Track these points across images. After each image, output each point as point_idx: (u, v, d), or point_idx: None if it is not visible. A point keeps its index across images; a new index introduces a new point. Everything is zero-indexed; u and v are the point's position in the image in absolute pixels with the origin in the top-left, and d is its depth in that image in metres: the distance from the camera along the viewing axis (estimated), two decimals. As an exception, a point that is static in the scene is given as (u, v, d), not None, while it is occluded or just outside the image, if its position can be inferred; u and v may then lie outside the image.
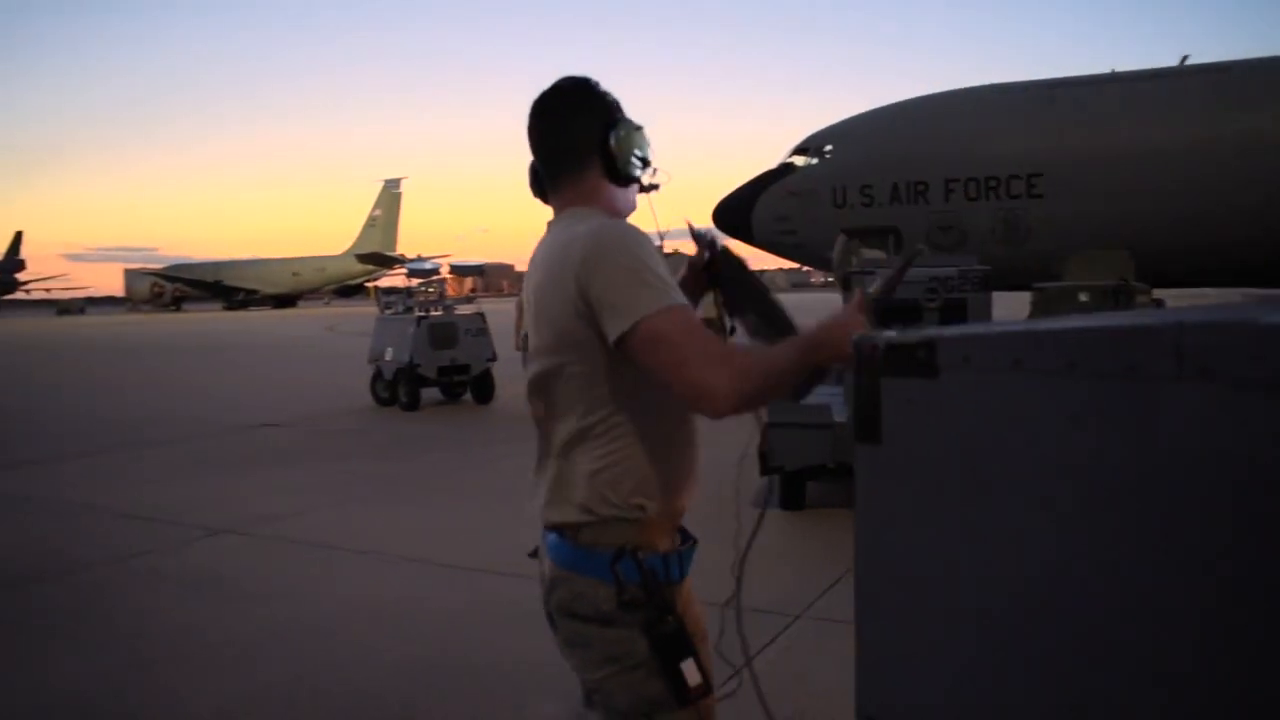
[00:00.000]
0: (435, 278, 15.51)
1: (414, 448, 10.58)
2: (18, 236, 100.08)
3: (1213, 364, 1.26)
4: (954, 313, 6.55)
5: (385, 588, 5.63)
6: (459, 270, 16.90)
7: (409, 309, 14.23)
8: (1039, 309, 11.92)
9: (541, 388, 2.07)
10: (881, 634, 1.82)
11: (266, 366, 22.52)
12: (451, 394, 14.37)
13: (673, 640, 1.94)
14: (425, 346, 13.41)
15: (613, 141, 1.99)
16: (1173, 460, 1.31)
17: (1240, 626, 1.26)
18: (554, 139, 2.05)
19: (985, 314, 6.67)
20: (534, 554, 2.27)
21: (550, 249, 2.01)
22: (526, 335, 2.17)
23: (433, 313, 14.05)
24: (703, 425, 2.12)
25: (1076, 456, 1.42)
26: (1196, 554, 1.31)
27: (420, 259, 16.72)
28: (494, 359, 14.13)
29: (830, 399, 7.23)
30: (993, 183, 20.08)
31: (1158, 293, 15.86)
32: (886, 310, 7.01)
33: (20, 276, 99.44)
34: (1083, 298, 11.85)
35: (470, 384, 14.07)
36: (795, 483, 7.13)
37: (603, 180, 2.04)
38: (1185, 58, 21.03)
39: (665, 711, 1.93)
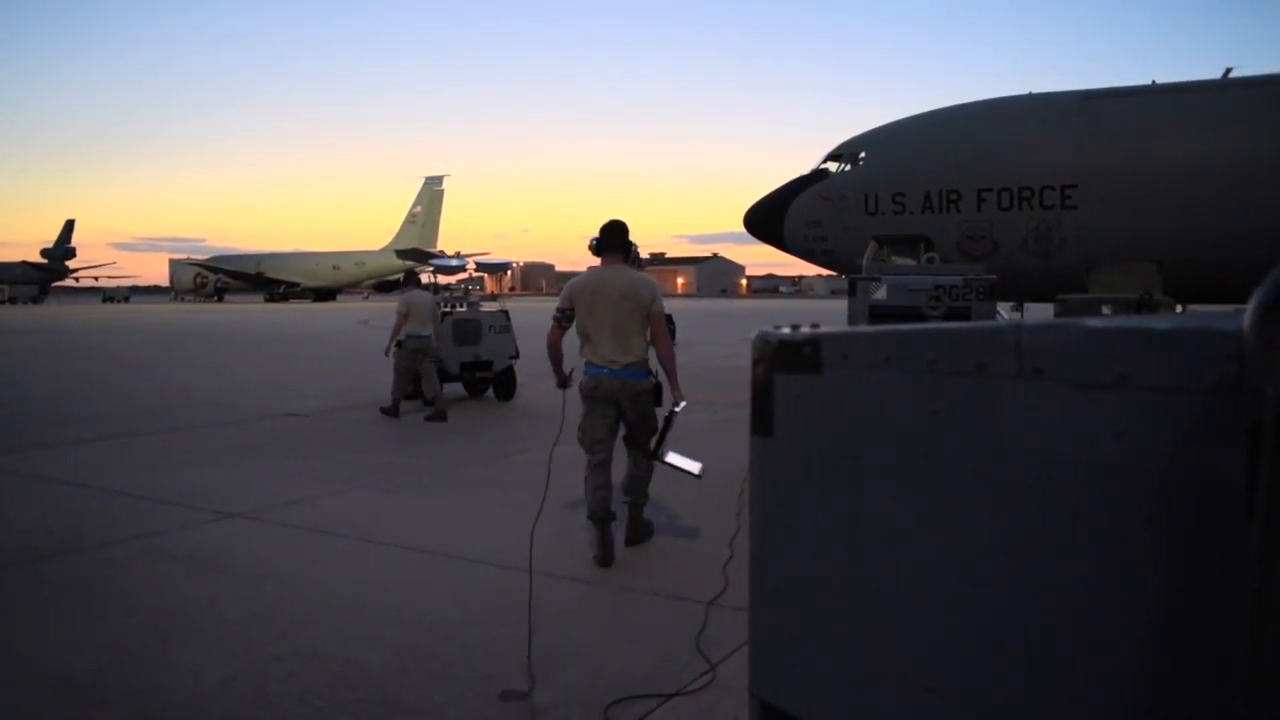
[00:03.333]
0: (466, 275, 15.64)
1: (430, 440, 10.73)
2: (69, 225, 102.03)
3: (1044, 364, 1.32)
4: (959, 320, 6.56)
5: (382, 574, 5.74)
6: (485, 267, 17.09)
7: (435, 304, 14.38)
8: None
9: (625, 323, 6.06)
10: (773, 618, 1.90)
11: (298, 358, 22.86)
12: (474, 390, 14.51)
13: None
14: (449, 342, 13.55)
15: (633, 250, 6.33)
16: (1013, 452, 1.37)
17: (1065, 605, 1.33)
18: (619, 240, 6.23)
19: (989, 320, 6.68)
20: (565, 383, 6.26)
21: (620, 277, 6.16)
22: (570, 311, 6.21)
23: (458, 309, 14.21)
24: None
25: (937, 447, 1.49)
26: (1034, 540, 1.37)
27: (446, 255, 16.87)
28: (516, 356, 14.25)
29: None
30: (1026, 193, 19.91)
31: (1190, 308, 15.65)
32: (890, 317, 7.16)
33: (70, 264, 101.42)
34: (1105, 310, 11.78)
35: (493, 380, 14.21)
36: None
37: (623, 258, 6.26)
38: (1229, 70, 20.73)
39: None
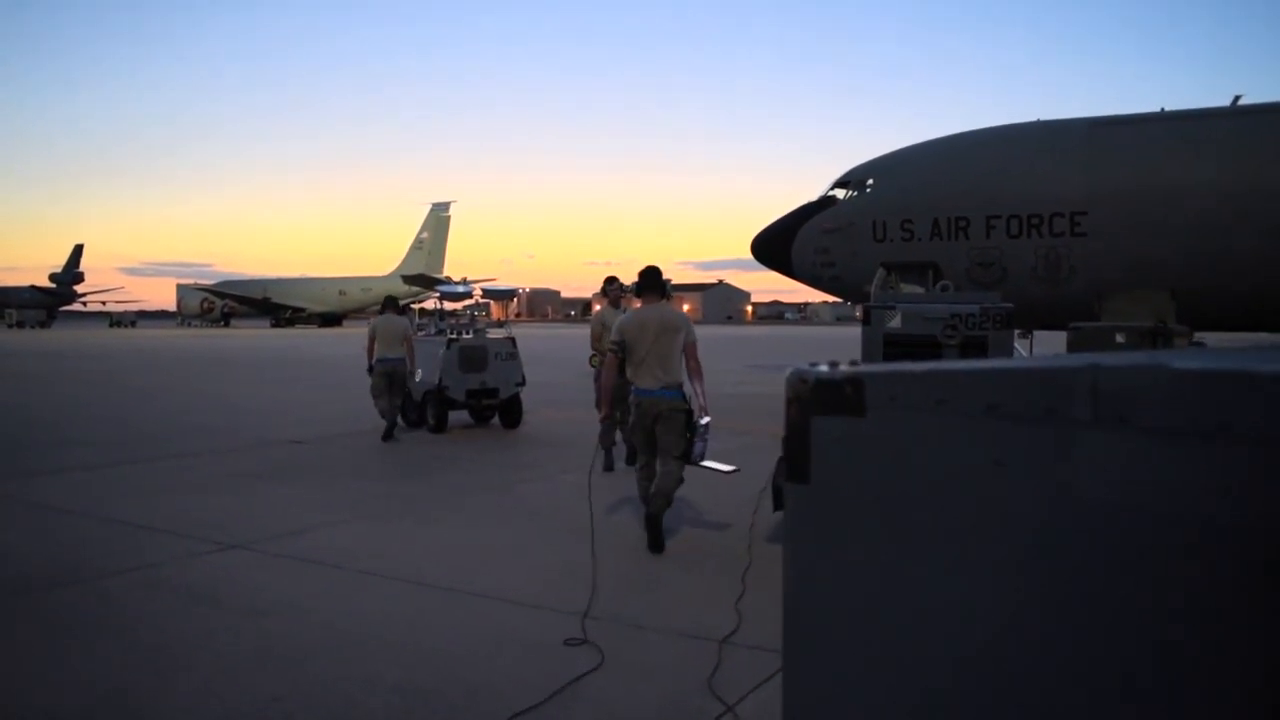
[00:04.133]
0: (472, 301, 15.57)
1: (434, 469, 10.59)
2: (78, 249, 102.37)
3: (1126, 410, 1.18)
4: (974, 350, 6.43)
5: (384, 609, 5.59)
6: (492, 294, 16.98)
7: (440, 331, 14.29)
8: (1074, 349, 11.71)
9: (664, 351, 7.14)
10: (809, 669, 1.74)
11: (301, 383, 22.75)
12: (480, 417, 14.38)
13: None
14: (454, 369, 13.44)
15: (667, 289, 7.65)
16: (1088, 507, 1.23)
17: (1132, 673, 1.18)
18: (655, 283, 7.48)
19: (1007, 351, 6.53)
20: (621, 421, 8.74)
21: (658, 313, 7.34)
22: (623, 342, 7.31)
23: (464, 336, 14.10)
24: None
25: (998, 501, 1.34)
26: (1110, 605, 1.22)
27: (452, 281, 16.81)
28: (523, 384, 14.11)
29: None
30: (1035, 220, 19.83)
31: (1201, 336, 15.50)
32: (905, 346, 6.97)
33: (78, 289, 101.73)
34: (1119, 339, 11.62)
35: (499, 408, 14.08)
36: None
37: (659, 298, 7.49)
38: (1238, 98, 20.67)
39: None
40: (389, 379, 13.07)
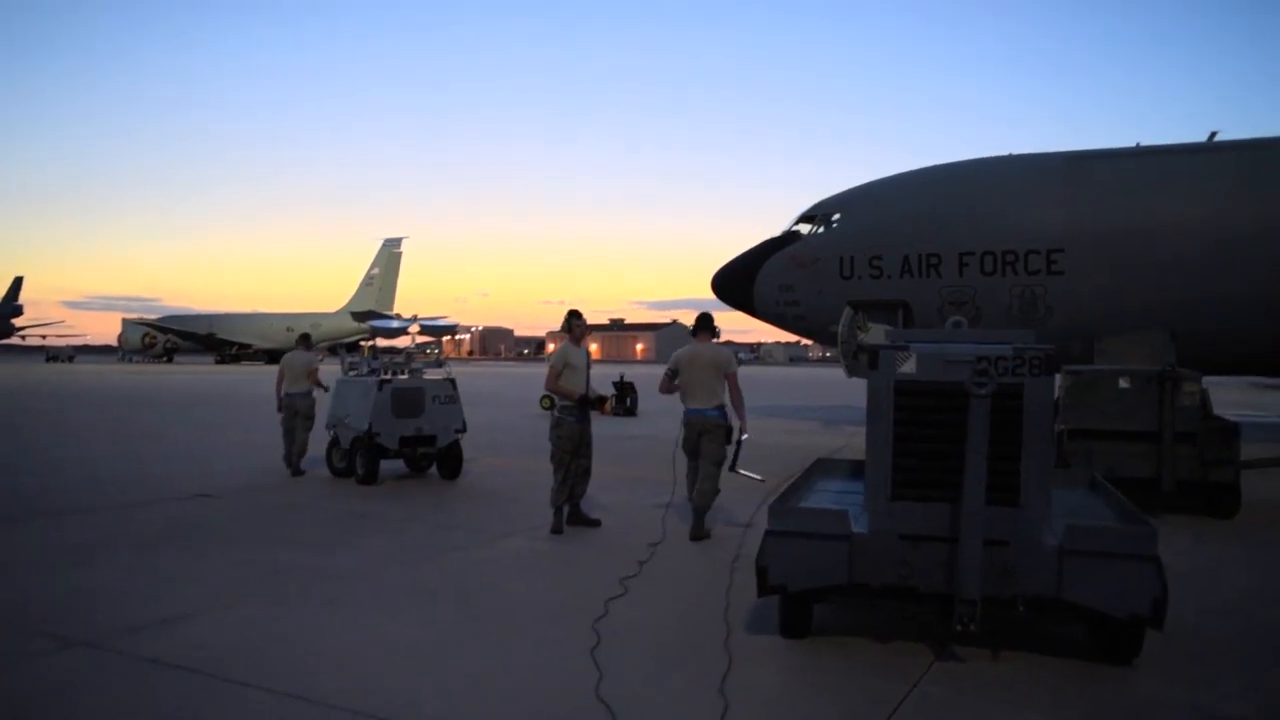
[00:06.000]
0: (419, 339, 14.25)
1: (356, 531, 9.16)
2: (17, 282, 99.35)
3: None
4: (1008, 400, 5.20)
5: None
6: (430, 330, 15.63)
7: (373, 371, 12.89)
8: (1074, 395, 10.60)
9: (710, 380, 9.00)
10: None
11: (231, 425, 21.16)
12: (415, 467, 12.97)
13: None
14: (387, 414, 12.06)
15: (717, 330, 9.50)
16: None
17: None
18: (708, 325, 9.38)
19: (1045, 403, 5.32)
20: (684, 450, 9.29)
21: (708, 350, 9.22)
22: (677, 373, 9.21)
23: (399, 376, 12.71)
24: None
25: None
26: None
27: (402, 318, 15.52)
28: (464, 430, 12.73)
29: (849, 505, 5.87)
30: (1010, 257, 18.87)
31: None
32: (923, 396, 5.32)
33: (16, 322, 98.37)
34: (1123, 384, 10.54)
35: (436, 457, 12.68)
36: (799, 605, 5.73)
37: (712, 336, 9.42)
38: (1214, 134, 19.97)
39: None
40: (294, 414, 13.16)
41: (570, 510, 9.38)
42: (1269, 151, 18.42)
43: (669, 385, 9.34)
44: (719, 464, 8.95)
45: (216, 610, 6.30)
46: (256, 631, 5.86)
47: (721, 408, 9.03)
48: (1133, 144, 20.06)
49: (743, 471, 8.93)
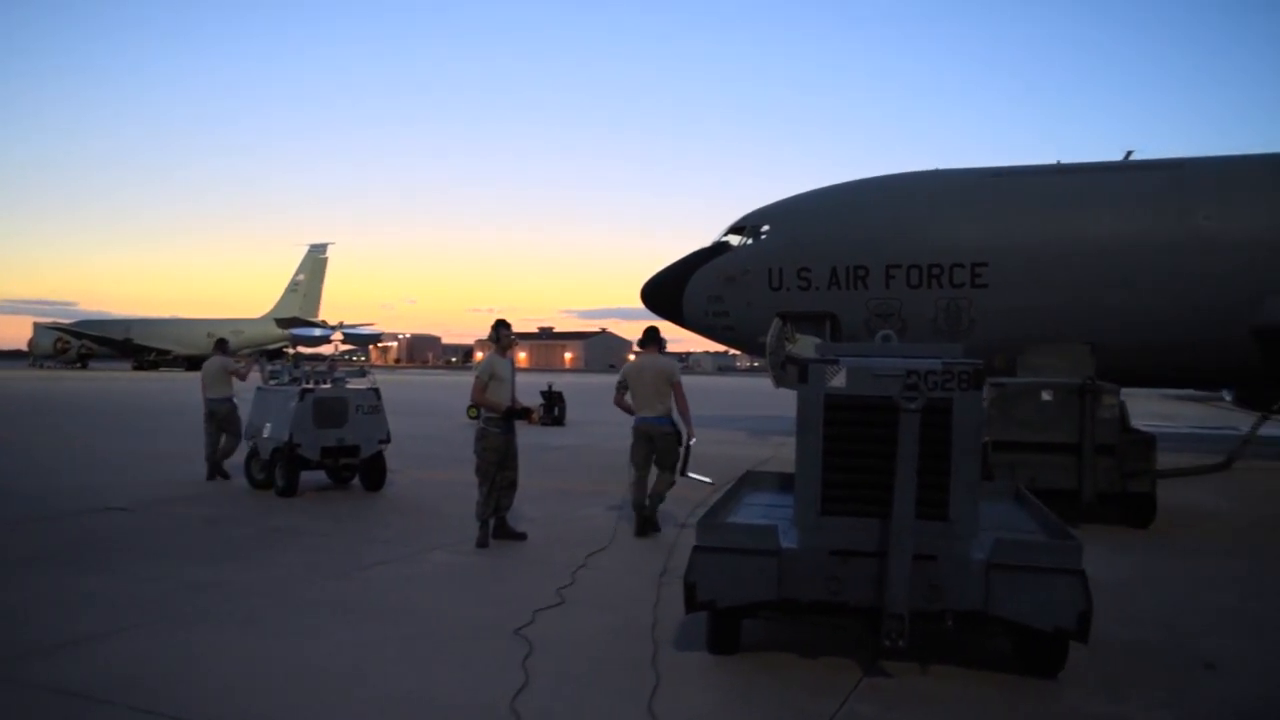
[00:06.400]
0: (332, 346, 14.00)
1: (272, 546, 8.88)
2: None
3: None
4: (937, 415, 5.20)
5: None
6: (354, 339, 15.34)
7: (294, 379, 12.57)
8: (998, 407, 10.73)
9: (658, 388, 9.55)
10: None
11: (149, 434, 20.52)
12: (338, 478, 12.67)
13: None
14: (308, 424, 11.76)
15: (663, 342, 10.07)
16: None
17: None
18: (654, 338, 9.96)
19: (974, 418, 5.33)
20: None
21: (654, 361, 9.77)
22: (625, 382, 9.81)
23: (320, 386, 12.40)
24: None
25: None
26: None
27: (309, 324, 15.18)
28: (388, 440, 12.47)
29: (778, 519, 5.83)
30: (936, 270, 19.17)
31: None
32: (859, 409, 5.26)
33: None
34: (1045, 396, 10.71)
35: (359, 468, 12.40)
36: (728, 621, 5.66)
37: (659, 349, 9.99)
38: (1130, 153, 20.53)
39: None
40: (214, 420, 13.29)
41: (496, 524, 9.22)
42: (1185, 170, 19.01)
43: (621, 398, 9.89)
44: (673, 468, 9.57)
45: (122, 631, 6.03)
46: (164, 654, 5.61)
47: (669, 416, 9.66)
48: (1051, 161, 20.54)
49: (693, 475, 9.43)
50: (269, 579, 7.54)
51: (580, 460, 16.52)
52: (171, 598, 6.90)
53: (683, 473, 9.45)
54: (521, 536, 9.30)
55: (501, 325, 9.41)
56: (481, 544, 8.93)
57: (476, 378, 9.24)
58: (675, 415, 9.73)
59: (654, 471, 9.71)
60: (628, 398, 9.84)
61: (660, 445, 9.57)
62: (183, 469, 13.86)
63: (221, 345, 14.65)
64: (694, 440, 9.61)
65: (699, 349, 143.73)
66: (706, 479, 9.65)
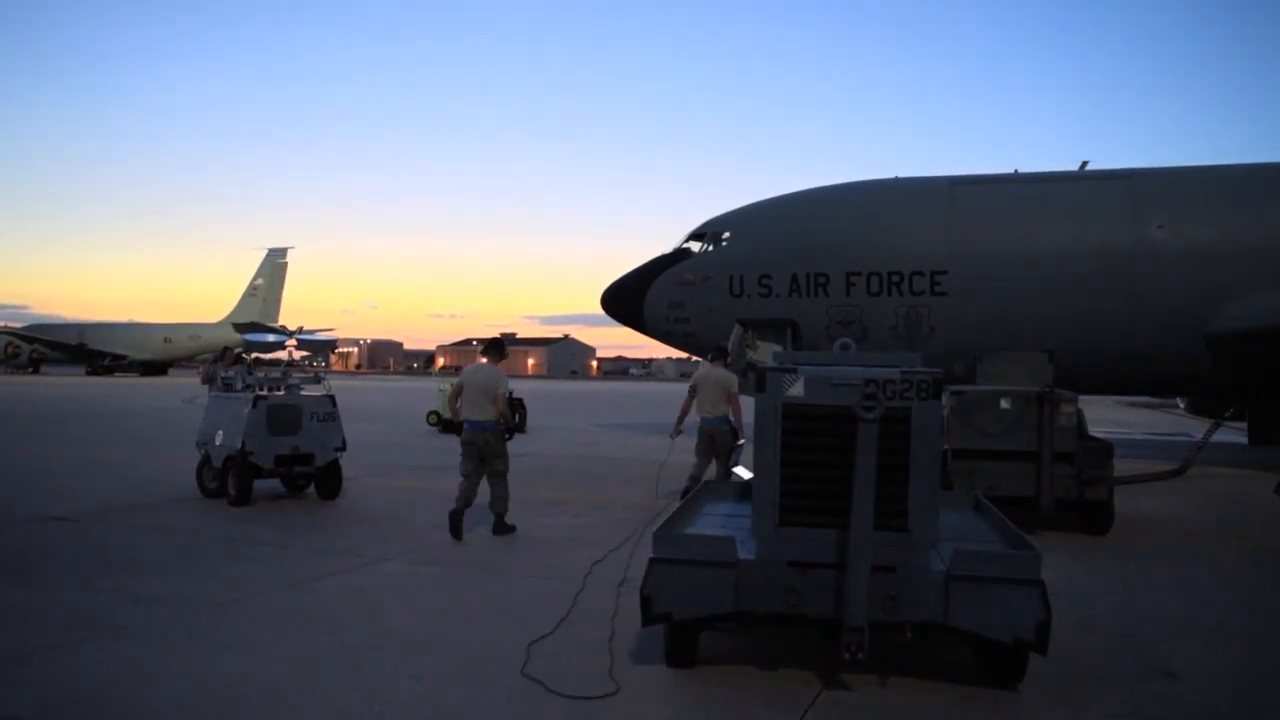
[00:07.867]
0: (296, 354, 13.74)
1: (222, 557, 8.66)
2: None
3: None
4: (896, 425, 5.15)
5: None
6: (306, 344, 15.12)
7: (248, 386, 12.33)
8: (958, 415, 10.75)
9: (717, 395, 11.91)
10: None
11: (97, 442, 20.07)
12: (292, 486, 12.45)
13: None
14: (261, 431, 11.54)
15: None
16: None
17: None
18: (720, 352, 13.23)
19: (933, 427, 5.28)
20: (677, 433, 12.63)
21: (717, 372, 12.28)
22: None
23: (274, 392, 12.18)
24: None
25: None
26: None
27: (266, 329, 14.95)
28: (343, 448, 12.28)
29: (736, 530, 5.75)
30: (896, 278, 19.24)
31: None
32: (810, 419, 5.16)
33: None
34: (1004, 404, 10.74)
35: (314, 476, 12.19)
36: (685, 634, 5.57)
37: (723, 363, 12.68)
38: (1085, 163, 20.76)
39: None
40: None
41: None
42: (1142, 180, 19.23)
43: (689, 400, 12.26)
44: (728, 456, 11.76)
45: (63, 647, 5.83)
46: (106, 670, 5.43)
47: (726, 417, 11.89)
48: (1010, 170, 20.71)
49: (739, 470, 11.25)
50: (219, 591, 7.35)
51: (544, 469, 16.38)
52: (117, 612, 6.69)
53: (729, 469, 11.42)
54: (510, 529, 9.99)
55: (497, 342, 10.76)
56: (454, 531, 9.57)
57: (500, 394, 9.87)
58: (730, 417, 11.86)
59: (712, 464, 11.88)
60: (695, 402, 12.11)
61: (719, 440, 11.86)
62: (131, 477, 13.55)
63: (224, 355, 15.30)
64: (743, 441, 11.27)
65: (662, 354, 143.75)
66: (749, 475, 9.99)
